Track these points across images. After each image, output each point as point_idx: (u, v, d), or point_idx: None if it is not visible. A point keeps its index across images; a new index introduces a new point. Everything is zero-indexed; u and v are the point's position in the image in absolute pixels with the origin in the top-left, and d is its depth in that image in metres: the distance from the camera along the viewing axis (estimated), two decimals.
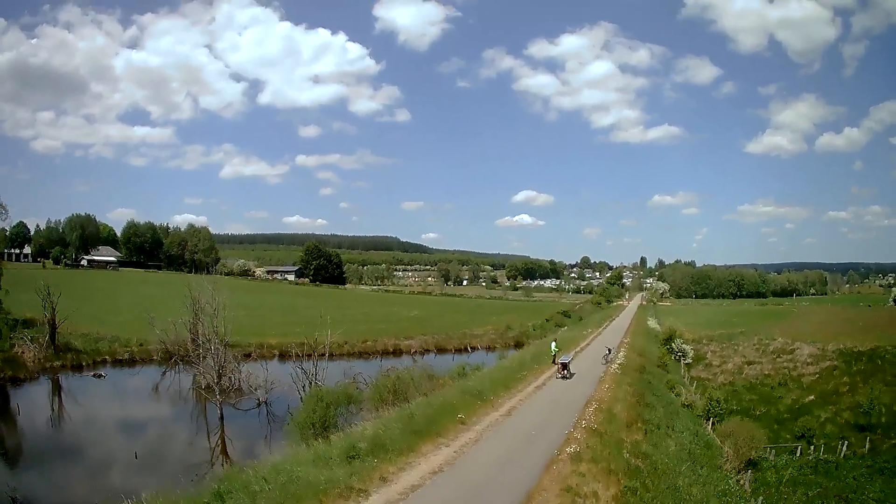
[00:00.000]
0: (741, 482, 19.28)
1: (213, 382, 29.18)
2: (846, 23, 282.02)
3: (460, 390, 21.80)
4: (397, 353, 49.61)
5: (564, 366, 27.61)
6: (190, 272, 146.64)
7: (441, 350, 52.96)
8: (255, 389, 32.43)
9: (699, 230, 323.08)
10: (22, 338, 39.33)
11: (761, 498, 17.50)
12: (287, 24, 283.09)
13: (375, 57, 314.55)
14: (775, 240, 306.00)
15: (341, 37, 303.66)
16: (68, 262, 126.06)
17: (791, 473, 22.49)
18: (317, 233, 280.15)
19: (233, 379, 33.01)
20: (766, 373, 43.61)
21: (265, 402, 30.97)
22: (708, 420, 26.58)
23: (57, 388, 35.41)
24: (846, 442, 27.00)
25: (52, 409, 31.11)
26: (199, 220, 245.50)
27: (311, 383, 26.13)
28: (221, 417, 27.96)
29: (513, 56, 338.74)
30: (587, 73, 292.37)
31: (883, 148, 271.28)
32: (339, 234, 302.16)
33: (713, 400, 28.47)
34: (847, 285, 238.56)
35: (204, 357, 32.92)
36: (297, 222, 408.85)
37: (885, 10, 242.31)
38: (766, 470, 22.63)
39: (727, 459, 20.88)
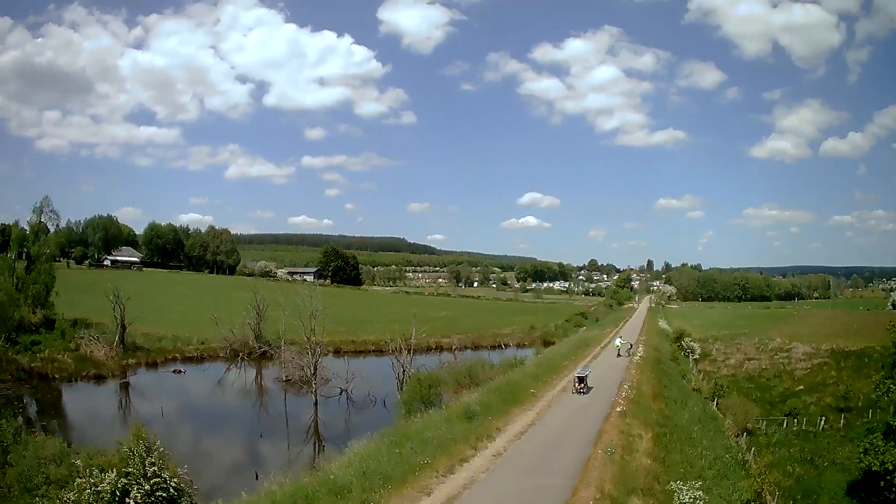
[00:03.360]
0: (739, 443, 25.76)
1: (309, 375, 34.73)
2: (850, 28, 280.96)
3: (522, 374, 28.45)
4: (438, 349, 55.21)
5: (581, 380, 25.23)
6: (211, 273, 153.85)
7: (477, 347, 59.24)
8: (328, 381, 38.07)
9: (704, 233, 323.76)
10: (83, 337, 40.98)
11: (753, 449, 24.01)
12: (292, 27, 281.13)
13: (381, 60, 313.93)
14: (780, 243, 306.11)
15: (347, 39, 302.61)
16: (91, 262, 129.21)
17: (778, 437, 29.13)
18: (323, 233, 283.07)
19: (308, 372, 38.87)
20: (764, 367, 49.64)
21: (346, 391, 36.11)
22: (713, 400, 33.05)
23: (126, 385, 37.32)
24: (825, 419, 33.31)
25: (157, 402, 32.33)
26: (205, 220, 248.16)
27: (404, 371, 32.72)
28: (315, 403, 33.23)
29: (517, 60, 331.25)
30: (592, 77, 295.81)
31: (887, 153, 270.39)
32: (346, 234, 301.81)
33: (718, 385, 35.17)
34: (850, 289, 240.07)
35: (283, 352, 39.63)
36: (303, 222, 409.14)
37: (889, 16, 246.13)
38: (758, 436, 29.08)
39: (728, 428, 27.40)
